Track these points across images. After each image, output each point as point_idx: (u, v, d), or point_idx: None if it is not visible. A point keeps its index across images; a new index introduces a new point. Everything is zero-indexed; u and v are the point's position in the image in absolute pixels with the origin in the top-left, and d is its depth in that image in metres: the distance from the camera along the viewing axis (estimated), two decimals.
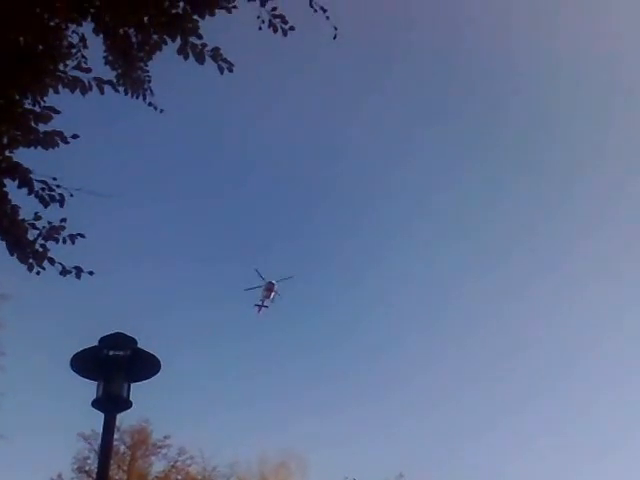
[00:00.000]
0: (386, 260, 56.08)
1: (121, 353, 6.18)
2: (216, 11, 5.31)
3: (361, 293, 55.47)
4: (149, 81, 5.80)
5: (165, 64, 5.74)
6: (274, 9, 5.41)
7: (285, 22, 5.45)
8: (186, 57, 5.33)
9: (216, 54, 5.36)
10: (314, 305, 54.98)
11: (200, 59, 5.34)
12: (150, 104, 5.85)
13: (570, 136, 53.95)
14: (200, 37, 5.24)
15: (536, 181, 55.85)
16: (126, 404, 6.26)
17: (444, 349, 54.34)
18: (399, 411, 47.46)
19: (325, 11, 5.54)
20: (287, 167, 55.81)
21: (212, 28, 5.36)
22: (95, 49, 5.61)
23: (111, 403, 6.15)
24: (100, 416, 6.10)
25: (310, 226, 57.81)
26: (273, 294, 48.43)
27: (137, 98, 5.81)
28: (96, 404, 6.13)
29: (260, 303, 48.66)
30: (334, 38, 5.68)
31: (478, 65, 51.95)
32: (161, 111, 5.92)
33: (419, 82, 52.67)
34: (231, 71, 5.38)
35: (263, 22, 5.43)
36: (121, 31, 5.39)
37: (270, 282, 48.19)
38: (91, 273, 5.66)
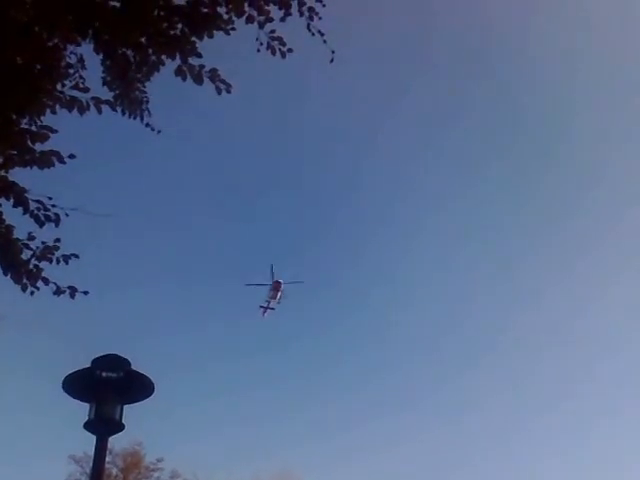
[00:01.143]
0: (393, 281, 55.56)
1: (114, 375, 6.11)
2: (214, 32, 5.33)
3: (366, 311, 54.93)
4: (147, 102, 5.80)
5: (164, 85, 5.76)
6: (272, 31, 5.44)
7: (283, 44, 5.48)
8: (184, 78, 5.34)
9: (214, 75, 5.37)
10: (316, 321, 54.47)
11: (198, 80, 5.35)
12: (148, 125, 5.85)
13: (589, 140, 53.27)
14: (200, 56, 5.26)
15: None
16: (118, 427, 6.17)
17: (446, 374, 53.88)
18: (401, 431, 46.85)
19: (322, 35, 5.57)
20: (304, 186, 55.28)
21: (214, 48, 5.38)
22: (93, 69, 5.63)
23: (103, 425, 6.06)
24: (92, 438, 6.01)
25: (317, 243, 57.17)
26: (280, 294, 45.78)
27: (135, 119, 5.81)
28: (88, 426, 6.04)
29: (265, 305, 46.18)
30: (331, 61, 5.71)
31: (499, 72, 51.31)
32: (159, 132, 5.92)
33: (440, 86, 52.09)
34: (229, 92, 5.39)
35: (261, 44, 5.46)
36: (120, 51, 5.41)
37: (277, 281, 45.48)
38: (86, 293, 5.63)
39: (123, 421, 6.17)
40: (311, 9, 5.46)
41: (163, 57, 5.31)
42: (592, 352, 53.05)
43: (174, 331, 52.94)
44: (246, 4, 5.37)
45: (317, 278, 54.58)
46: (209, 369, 48.25)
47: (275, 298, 45.96)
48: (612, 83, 49.59)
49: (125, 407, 6.19)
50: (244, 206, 56.91)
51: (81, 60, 5.61)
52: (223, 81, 5.38)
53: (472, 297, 56.13)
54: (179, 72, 5.31)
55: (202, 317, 53.43)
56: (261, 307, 46.09)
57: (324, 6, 5.48)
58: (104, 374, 6.07)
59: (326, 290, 54.25)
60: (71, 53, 5.55)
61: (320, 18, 5.48)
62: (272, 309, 46.14)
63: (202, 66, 5.33)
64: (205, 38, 5.29)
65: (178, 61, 5.28)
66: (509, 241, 57.59)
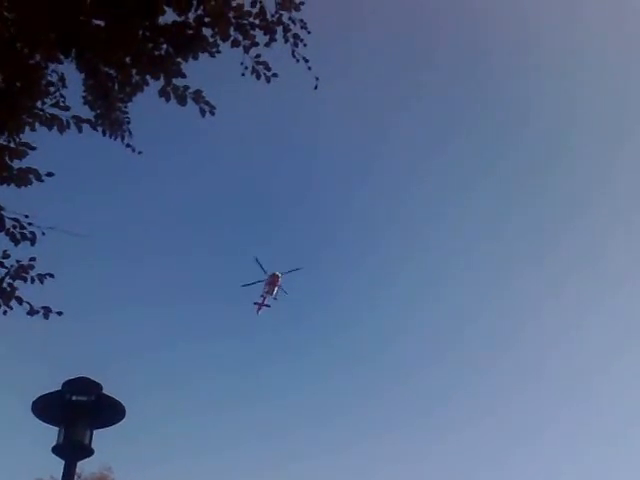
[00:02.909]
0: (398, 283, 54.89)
1: (85, 398, 6.01)
2: (199, 54, 5.33)
3: (366, 320, 54.30)
4: (128, 122, 5.77)
5: (142, 104, 5.73)
6: (258, 56, 5.47)
7: (268, 69, 5.50)
8: (168, 99, 5.32)
9: (198, 96, 5.37)
10: (296, 342, 53.14)
11: (182, 101, 5.34)
12: (128, 145, 5.82)
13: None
14: (184, 77, 5.25)
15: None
16: (87, 451, 6.05)
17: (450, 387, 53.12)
18: (402, 447, 45.77)
19: (307, 61, 5.61)
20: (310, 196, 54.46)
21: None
22: (74, 88, 5.59)
23: (72, 450, 5.95)
24: (60, 463, 5.88)
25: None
26: (277, 289, 41.14)
27: (115, 139, 5.77)
28: (56, 450, 5.92)
29: (260, 301, 41.55)
30: (315, 88, 5.75)
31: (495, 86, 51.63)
32: (139, 153, 5.88)
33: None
34: (213, 114, 5.38)
35: (246, 68, 5.48)
36: (102, 70, 5.38)
37: (274, 274, 40.74)
38: (59, 314, 5.52)
39: (92, 446, 6.05)
40: (296, 36, 5.50)
41: (147, 77, 5.28)
42: (595, 361, 53.17)
43: (152, 350, 51.24)
44: (232, 28, 5.39)
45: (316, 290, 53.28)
46: (182, 390, 46.89)
47: (272, 293, 41.44)
48: (614, 89, 49.87)
49: (95, 431, 6.07)
50: (225, 226, 56.03)
51: (62, 78, 5.57)
52: (207, 103, 5.37)
53: (472, 307, 55.96)
54: (163, 93, 5.29)
55: (179, 337, 52.08)
56: (255, 304, 41.77)
57: (309, 33, 5.53)
58: (75, 397, 5.96)
59: (318, 306, 53.59)
60: (52, 71, 5.52)
61: (305, 45, 5.52)
62: (267, 306, 41.90)
63: (186, 87, 5.32)
64: (190, 60, 5.29)
65: (162, 82, 5.26)
66: (508, 250, 57.02)
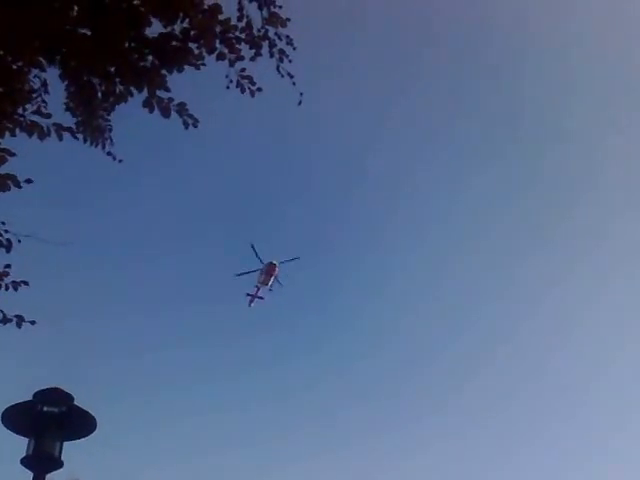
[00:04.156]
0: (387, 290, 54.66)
1: (56, 410, 5.92)
2: (185, 67, 5.32)
3: (363, 322, 53.13)
4: (110, 130, 5.74)
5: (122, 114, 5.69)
6: (243, 70, 5.47)
7: (253, 83, 5.50)
8: (151, 110, 5.30)
9: (182, 109, 5.35)
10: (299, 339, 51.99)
11: (165, 113, 5.32)
12: (109, 153, 5.78)
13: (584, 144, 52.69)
14: (168, 90, 5.24)
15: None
16: (57, 464, 5.96)
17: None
18: (403, 446, 45.29)
19: (292, 77, 5.63)
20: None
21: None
22: (56, 94, 5.55)
23: (41, 462, 5.86)
24: (29, 475, 5.78)
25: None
26: (273, 279, 38.29)
27: (96, 147, 5.73)
28: (25, 462, 5.83)
29: (253, 292, 38.62)
30: (299, 104, 5.77)
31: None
32: (120, 161, 5.85)
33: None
34: (196, 127, 5.37)
35: (231, 81, 5.48)
36: (86, 79, 5.34)
37: (270, 263, 37.76)
38: (33, 323, 5.46)
39: (62, 458, 5.96)
40: (282, 51, 5.52)
41: (131, 88, 5.26)
42: (594, 358, 52.89)
43: (126, 357, 50.19)
44: (217, 41, 5.39)
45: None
46: (154, 398, 45.96)
47: (267, 284, 38.44)
48: (611, 82, 49.87)
49: (65, 443, 5.98)
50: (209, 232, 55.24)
51: (44, 84, 5.53)
52: (190, 115, 5.36)
53: (471, 306, 55.84)
54: (147, 104, 5.27)
55: (149, 344, 51.19)
56: (248, 295, 38.87)
57: (294, 49, 5.55)
58: (45, 408, 5.88)
59: (313, 308, 53.03)
60: (35, 76, 5.48)
61: (290, 61, 5.54)
62: (261, 298, 39.02)
63: (171, 99, 5.30)
64: (175, 72, 5.28)
65: (146, 93, 5.24)
66: (507, 248, 56.51)
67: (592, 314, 53.17)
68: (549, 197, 55.33)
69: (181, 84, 5.32)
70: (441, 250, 52.84)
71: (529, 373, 55.56)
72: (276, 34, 5.47)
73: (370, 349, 53.70)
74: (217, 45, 5.38)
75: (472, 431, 47.45)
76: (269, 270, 38.10)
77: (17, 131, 5.34)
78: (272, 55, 5.52)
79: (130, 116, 5.65)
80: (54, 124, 5.40)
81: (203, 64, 5.40)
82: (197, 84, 5.64)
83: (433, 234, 54.10)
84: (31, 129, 5.35)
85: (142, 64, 5.24)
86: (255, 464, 39.32)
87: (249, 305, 39.07)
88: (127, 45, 5.16)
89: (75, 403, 6.01)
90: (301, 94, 5.70)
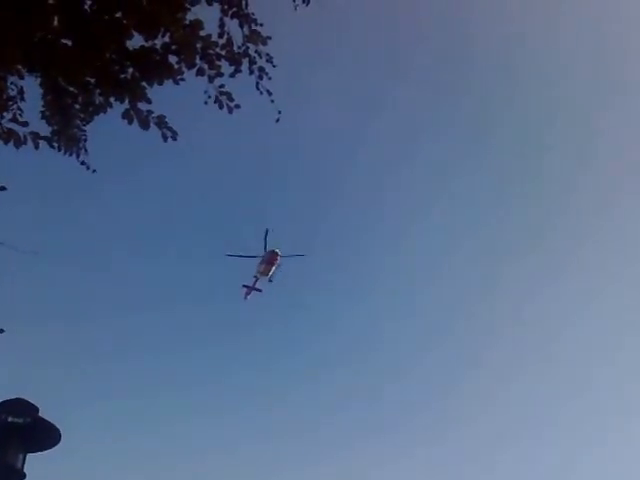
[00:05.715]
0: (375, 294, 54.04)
1: (20, 421, 5.84)
2: (164, 81, 5.37)
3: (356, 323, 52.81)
4: (85, 140, 5.73)
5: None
6: (222, 86, 5.53)
7: (231, 99, 5.56)
8: (130, 121, 5.32)
9: (161, 121, 5.38)
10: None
11: (144, 125, 5.34)
12: (83, 163, 5.77)
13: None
14: (149, 102, 5.27)
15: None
16: (19, 476, 5.86)
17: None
18: (387, 453, 44.66)
19: (270, 94, 5.70)
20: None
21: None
22: (33, 102, 5.53)
23: (3, 474, 5.75)
24: None
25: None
26: (274, 269, 34.73)
27: (71, 155, 5.71)
28: None
29: (250, 284, 35.53)
30: (277, 121, 5.85)
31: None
32: (94, 171, 5.84)
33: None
34: (175, 139, 5.41)
35: (210, 97, 5.53)
36: (64, 88, 5.34)
37: (273, 251, 34.20)
38: (1, 331, 5.38)
39: (24, 470, 5.88)
40: (261, 69, 5.59)
41: (111, 99, 5.28)
42: (585, 361, 51.90)
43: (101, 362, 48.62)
44: (197, 57, 5.45)
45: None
46: (122, 404, 44.43)
47: (267, 274, 34.92)
48: (600, 91, 50.36)
49: (29, 455, 5.90)
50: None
51: (21, 92, 5.51)
52: (170, 128, 5.39)
53: (457, 310, 55.49)
54: (126, 115, 5.29)
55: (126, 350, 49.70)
56: (244, 286, 35.72)
57: (274, 67, 5.63)
58: (10, 419, 5.79)
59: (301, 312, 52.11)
60: (11, 84, 5.45)
61: (270, 78, 5.61)
62: (259, 290, 35.67)
63: (150, 112, 5.33)
64: (155, 85, 5.31)
65: (127, 104, 5.26)
66: (495, 252, 56.43)
67: (586, 313, 53.68)
68: (539, 197, 55.69)
69: (161, 98, 5.36)
70: (429, 251, 52.94)
71: (520, 375, 55.38)
72: (256, 51, 5.55)
73: (355, 354, 53.38)
74: (197, 61, 5.44)
75: (462, 432, 47.23)
76: (270, 259, 34.58)
77: None
78: (252, 72, 5.59)
79: (111, 127, 5.66)
80: (31, 132, 5.38)
81: (182, 79, 5.45)
82: (177, 98, 5.68)
83: (419, 235, 53.97)
84: (7, 137, 5.32)
85: (122, 76, 5.27)
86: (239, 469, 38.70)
87: (245, 298, 36.12)
88: (108, 56, 5.19)
89: (40, 415, 5.94)
90: (279, 112, 5.78)
